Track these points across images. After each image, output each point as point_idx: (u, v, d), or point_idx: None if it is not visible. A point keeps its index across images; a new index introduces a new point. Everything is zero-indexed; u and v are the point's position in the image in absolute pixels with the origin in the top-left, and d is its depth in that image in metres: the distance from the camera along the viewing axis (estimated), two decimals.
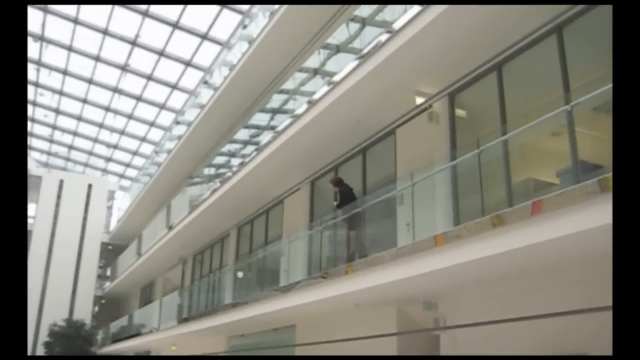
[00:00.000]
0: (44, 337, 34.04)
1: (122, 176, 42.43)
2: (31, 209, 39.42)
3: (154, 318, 24.38)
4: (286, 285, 12.27)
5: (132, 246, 31.27)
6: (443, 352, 10.17)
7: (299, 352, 14.22)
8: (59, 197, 38.02)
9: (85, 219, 38.34)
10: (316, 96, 12.16)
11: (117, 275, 34.29)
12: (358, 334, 11.80)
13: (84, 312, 36.37)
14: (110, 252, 38.95)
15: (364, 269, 9.29)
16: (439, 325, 10.30)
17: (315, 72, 13.11)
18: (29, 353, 34.72)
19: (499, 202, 8.24)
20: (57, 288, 36.30)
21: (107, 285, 37.85)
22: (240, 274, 16.41)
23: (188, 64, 25.69)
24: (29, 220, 38.54)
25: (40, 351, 34.04)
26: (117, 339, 30.75)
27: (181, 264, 25.71)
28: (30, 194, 38.33)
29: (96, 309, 38.79)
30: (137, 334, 26.56)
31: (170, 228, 22.65)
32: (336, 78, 11.39)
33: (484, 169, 8.48)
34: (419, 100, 10.91)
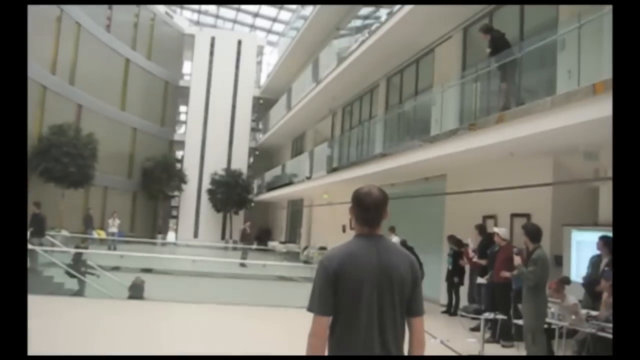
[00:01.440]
0: (206, 185, 36.98)
1: (269, 31, 43.05)
2: (187, 66, 41.43)
3: (305, 168, 25.51)
4: (437, 135, 12.26)
5: (282, 100, 32.19)
6: (602, 203, 9.92)
7: (449, 200, 14.44)
8: (211, 54, 39.49)
9: (236, 74, 39.78)
10: None
11: (269, 128, 35.71)
12: (511, 183, 11.74)
13: (240, 163, 38.79)
14: (262, 106, 40.51)
15: (518, 118, 9.04)
16: (599, 176, 9.97)
17: None
18: (194, 201, 38.08)
19: None
20: (215, 140, 38.78)
21: (260, 137, 39.68)
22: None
23: None
24: (186, 78, 40.70)
25: (205, 198, 37.17)
26: (271, 187, 32.71)
27: (331, 116, 26.27)
28: (185, 52, 40.15)
29: (251, 160, 41.19)
30: (289, 183, 28.03)
31: (318, 82, 22.99)
32: None
33: None
34: None
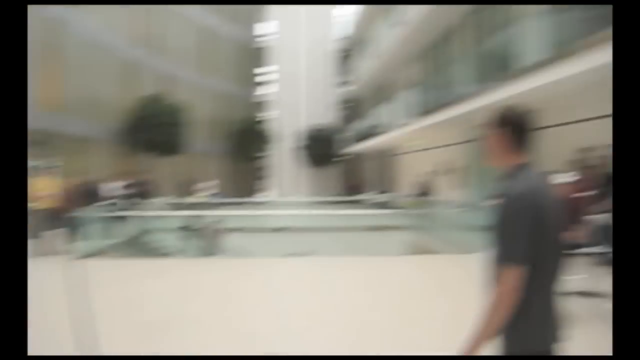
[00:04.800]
0: (296, 142, 37.36)
1: None
2: (267, 25, 41.54)
3: (392, 116, 25.18)
4: (526, 67, 11.72)
5: (365, 50, 31.75)
6: None
7: (541, 136, 13.80)
8: (288, 10, 39.37)
9: (316, 28, 39.52)
10: None
11: (354, 79, 35.37)
12: (608, 111, 11.08)
13: (328, 117, 38.81)
14: (345, 58, 40.13)
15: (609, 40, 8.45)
16: None
17: None
18: (286, 159, 38.60)
19: None
20: (300, 96, 39.53)
21: (346, 89, 39.43)
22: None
23: None
24: (265, 38, 40.83)
25: (296, 155, 37.57)
26: (360, 138, 32.59)
27: (415, 61, 25.67)
28: (262, 13, 40.18)
29: (338, 113, 41.12)
30: (378, 133, 27.80)
31: (401, 26, 22.44)
32: None
33: None
34: None
